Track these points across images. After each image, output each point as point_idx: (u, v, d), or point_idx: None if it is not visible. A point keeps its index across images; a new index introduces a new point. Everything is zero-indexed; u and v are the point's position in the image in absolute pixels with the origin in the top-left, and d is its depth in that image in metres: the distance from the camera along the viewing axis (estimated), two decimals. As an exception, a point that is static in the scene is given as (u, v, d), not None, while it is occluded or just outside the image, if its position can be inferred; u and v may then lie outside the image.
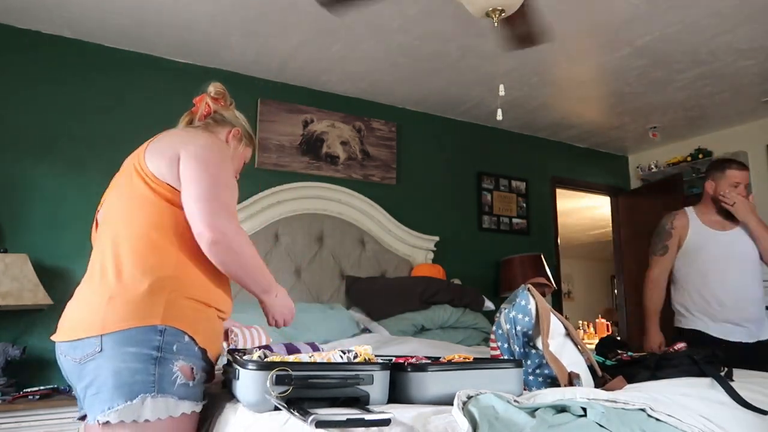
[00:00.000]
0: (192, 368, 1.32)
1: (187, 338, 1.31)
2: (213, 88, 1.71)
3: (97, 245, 1.44)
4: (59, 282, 2.95)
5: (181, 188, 1.38)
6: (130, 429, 1.23)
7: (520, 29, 2.52)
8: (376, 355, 1.36)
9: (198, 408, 1.33)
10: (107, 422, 1.23)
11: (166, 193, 1.39)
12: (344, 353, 1.30)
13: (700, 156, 4.99)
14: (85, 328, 1.28)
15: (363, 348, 1.32)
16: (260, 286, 1.47)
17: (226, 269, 1.38)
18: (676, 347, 1.77)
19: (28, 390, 2.61)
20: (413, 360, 1.41)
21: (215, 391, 1.55)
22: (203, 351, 1.36)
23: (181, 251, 1.36)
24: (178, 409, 1.27)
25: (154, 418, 1.24)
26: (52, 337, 1.38)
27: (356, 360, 1.28)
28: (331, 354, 1.30)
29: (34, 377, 2.84)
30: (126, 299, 1.28)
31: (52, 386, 2.70)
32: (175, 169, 1.39)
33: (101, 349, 1.25)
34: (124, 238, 1.36)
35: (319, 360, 1.27)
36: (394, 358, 1.44)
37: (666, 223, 2.84)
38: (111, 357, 1.24)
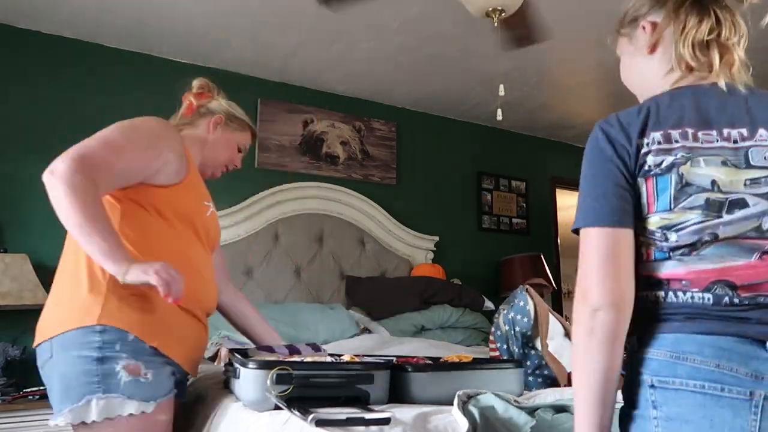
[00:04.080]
0: (141, 365, 1.26)
1: (131, 336, 1.27)
2: (196, 82, 1.75)
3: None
4: (59, 282, 2.95)
5: None
6: (84, 430, 1.23)
7: (518, 30, 2.51)
8: (376, 355, 1.37)
9: (149, 408, 1.26)
10: (67, 424, 1.24)
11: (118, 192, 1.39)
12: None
13: (700, 156, 4.99)
14: (40, 333, 1.32)
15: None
16: (95, 246, 1.24)
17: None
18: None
19: (28, 390, 2.61)
20: (413, 360, 1.41)
21: (216, 390, 1.55)
22: (154, 348, 1.29)
23: (137, 247, 1.35)
24: (124, 408, 1.23)
25: (100, 418, 1.20)
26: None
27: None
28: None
29: (34, 377, 2.82)
30: (67, 302, 1.31)
31: (52, 386, 2.70)
32: None
33: (51, 355, 1.27)
34: (74, 242, 1.36)
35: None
36: (394, 358, 1.44)
37: None
38: (58, 362, 1.26)
